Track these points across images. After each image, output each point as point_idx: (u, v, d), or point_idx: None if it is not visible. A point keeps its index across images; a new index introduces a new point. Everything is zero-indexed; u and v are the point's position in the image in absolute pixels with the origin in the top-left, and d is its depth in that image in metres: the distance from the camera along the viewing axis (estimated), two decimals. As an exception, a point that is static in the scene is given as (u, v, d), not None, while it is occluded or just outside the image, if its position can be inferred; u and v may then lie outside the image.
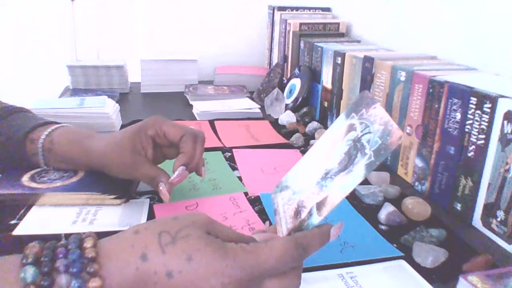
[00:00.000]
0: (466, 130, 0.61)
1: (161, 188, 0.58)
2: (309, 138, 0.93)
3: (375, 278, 0.48)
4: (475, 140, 0.59)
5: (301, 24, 1.26)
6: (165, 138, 0.60)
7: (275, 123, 1.03)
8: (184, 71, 1.32)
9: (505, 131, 0.54)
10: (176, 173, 0.59)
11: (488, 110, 0.57)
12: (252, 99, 1.18)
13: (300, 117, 1.04)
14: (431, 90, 0.67)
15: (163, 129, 0.60)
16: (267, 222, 0.53)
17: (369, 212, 0.63)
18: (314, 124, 0.97)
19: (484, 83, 0.62)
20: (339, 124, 0.43)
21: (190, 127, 0.62)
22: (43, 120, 0.66)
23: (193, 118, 1.05)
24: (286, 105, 1.09)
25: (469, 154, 0.60)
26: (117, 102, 1.03)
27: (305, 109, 1.04)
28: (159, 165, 0.63)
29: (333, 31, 1.28)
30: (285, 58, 1.32)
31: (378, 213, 0.62)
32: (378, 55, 0.86)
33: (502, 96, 0.55)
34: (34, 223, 0.56)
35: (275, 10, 1.40)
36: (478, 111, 0.58)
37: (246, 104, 1.12)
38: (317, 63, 1.07)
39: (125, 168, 0.60)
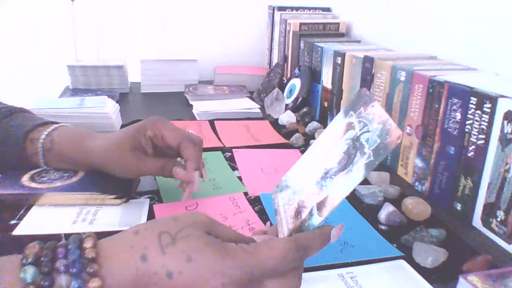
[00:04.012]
0: (466, 130, 0.61)
1: (178, 170, 0.59)
2: (309, 138, 0.93)
3: (375, 278, 0.48)
4: (475, 140, 0.59)
5: (301, 24, 1.26)
6: (163, 141, 0.60)
7: (275, 123, 1.03)
8: (184, 71, 1.32)
9: (505, 131, 0.54)
10: (196, 181, 0.60)
11: (488, 110, 0.57)
12: (252, 99, 1.18)
13: (300, 117, 1.04)
14: (431, 90, 0.67)
15: (161, 133, 0.60)
16: (268, 223, 0.53)
17: (369, 212, 0.63)
18: (314, 124, 0.97)
19: (484, 83, 0.62)
20: (337, 123, 0.43)
21: (189, 131, 0.63)
22: (42, 120, 0.66)
23: (193, 118, 1.05)
24: (286, 105, 1.09)
25: (469, 154, 0.60)
26: (117, 102, 1.03)
27: (305, 109, 1.04)
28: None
29: (333, 31, 1.28)
30: (285, 58, 1.32)
31: (378, 213, 0.62)
32: (378, 55, 0.86)
33: (502, 96, 0.55)
34: (34, 223, 0.56)
35: (275, 10, 1.40)
36: (478, 111, 0.58)
37: (246, 104, 1.12)
38: (317, 63, 1.07)
39: (127, 166, 0.60)
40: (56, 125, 0.65)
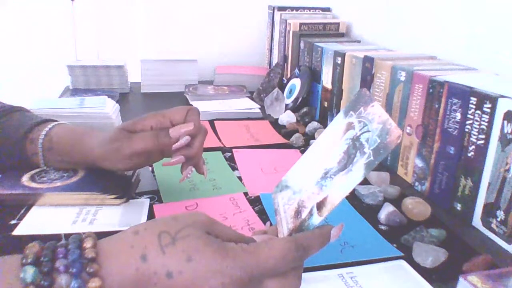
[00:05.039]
0: (466, 130, 0.61)
1: (171, 130, 0.58)
2: (309, 138, 0.93)
3: (375, 278, 0.48)
4: (475, 140, 0.59)
5: (301, 24, 1.26)
6: (170, 125, 0.59)
7: (275, 123, 1.03)
8: (184, 71, 1.32)
9: (505, 131, 0.54)
10: (185, 138, 0.58)
11: (488, 110, 0.57)
12: (252, 99, 1.18)
13: (300, 117, 1.04)
14: (431, 90, 0.67)
15: (167, 116, 0.59)
16: (268, 223, 0.53)
17: (369, 212, 0.63)
18: (314, 124, 0.97)
19: (484, 83, 0.62)
20: (337, 123, 0.43)
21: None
22: (40, 119, 0.66)
23: (193, 118, 1.05)
24: (286, 105, 1.09)
25: (469, 154, 0.60)
26: (117, 102, 1.03)
27: (305, 109, 1.04)
28: (155, 163, 0.64)
29: (333, 31, 1.28)
30: (285, 58, 1.32)
31: (378, 213, 0.62)
32: (378, 55, 0.86)
33: (502, 96, 0.55)
34: (34, 223, 0.56)
35: (275, 10, 1.40)
36: (478, 111, 0.58)
37: (246, 104, 1.12)
38: (317, 63, 1.07)
39: (121, 148, 0.58)
40: (53, 123, 0.65)
